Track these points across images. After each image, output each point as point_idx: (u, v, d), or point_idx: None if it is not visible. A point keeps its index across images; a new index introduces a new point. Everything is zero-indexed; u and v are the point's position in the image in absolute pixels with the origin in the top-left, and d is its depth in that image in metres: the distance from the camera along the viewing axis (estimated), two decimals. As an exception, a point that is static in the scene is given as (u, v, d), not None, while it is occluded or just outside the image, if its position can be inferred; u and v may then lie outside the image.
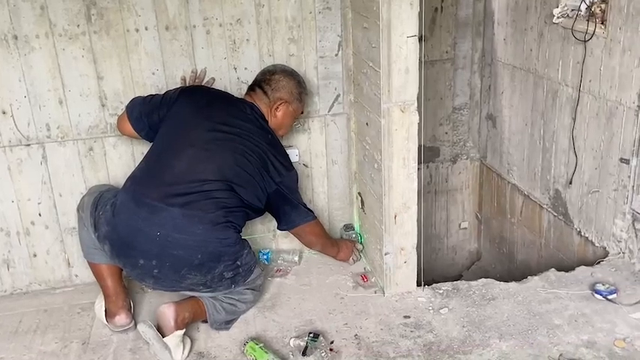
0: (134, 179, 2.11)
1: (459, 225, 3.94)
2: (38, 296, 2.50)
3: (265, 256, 2.61)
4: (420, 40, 2.07)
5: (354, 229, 2.73)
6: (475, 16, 3.43)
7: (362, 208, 2.62)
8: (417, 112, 2.17)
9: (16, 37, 2.21)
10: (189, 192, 2.02)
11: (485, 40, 3.45)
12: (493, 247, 3.73)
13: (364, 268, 2.60)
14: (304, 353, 2.06)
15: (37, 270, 2.51)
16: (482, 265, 3.92)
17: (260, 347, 2.04)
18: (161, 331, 2.03)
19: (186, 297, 2.17)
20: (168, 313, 2.03)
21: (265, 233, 2.67)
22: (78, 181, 2.44)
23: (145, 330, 2.00)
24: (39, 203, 2.43)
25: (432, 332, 2.15)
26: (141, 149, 2.45)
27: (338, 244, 2.59)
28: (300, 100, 2.36)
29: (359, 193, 2.66)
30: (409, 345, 2.09)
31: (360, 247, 2.66)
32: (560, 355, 1.97)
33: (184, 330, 2.08)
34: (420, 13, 2.04)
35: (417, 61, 2.10)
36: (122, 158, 2.46)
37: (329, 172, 2.68)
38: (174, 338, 2.02)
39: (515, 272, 3.37)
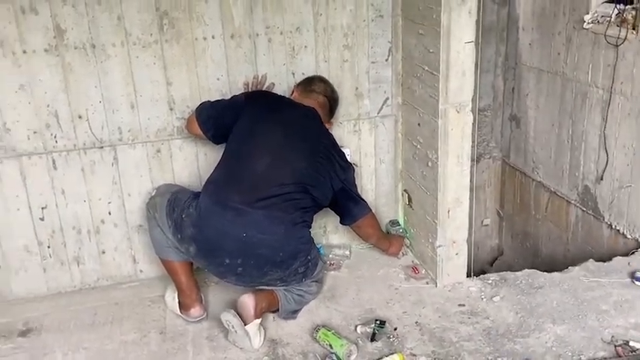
0: (216, 184, 2.24)
1: (482, 222, 4.10)
2: (106, 291, 2.64)
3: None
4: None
5: (399, 225, 2.89)
6: (499, 22, 3.61)
7: (409, 204, 2.78)
8: (471, 112, 2.33)
9: (93, 46, 2.35)
10: (271, 195, 2.17)
11: (509, 44, 3.62)
12: (515, 242, 3.90)
13: (412, 261, 2.75)
14: (372, 339, 2.21)
15: (104, 266, 2.65)
16: (505, 259, 4.09)
17: (332, 333, 2.19)
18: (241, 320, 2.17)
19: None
20: (249, 302, 2.17)
21: (316, 229, 2.81)
22: (146, 181, 2.57)
23: (230, 319, 2.14)
24: (109, 203, 2.56)
25: (489, 319, 2.31)
26: (204, 150, 2.60)
27: (389, 239, 2.75)
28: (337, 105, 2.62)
29: (405, 190, 2.82)
30: (469, 330, 2.25)
31: (407, 241, 2.82)
32: (612, 336, 2.14)
33: (261, 319, 2.22)
34: (477, 21, 2.21)
35: (473, 65, 2.27)
36: (187, 159, 2.60)
37: (377, 171, 2.84)
38: (253, 326, 2.17)
39: (540, 266, 3.54)
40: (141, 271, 2.70)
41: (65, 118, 2.41)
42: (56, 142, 2.43)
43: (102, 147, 2.49)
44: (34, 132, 2.39)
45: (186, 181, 2.61)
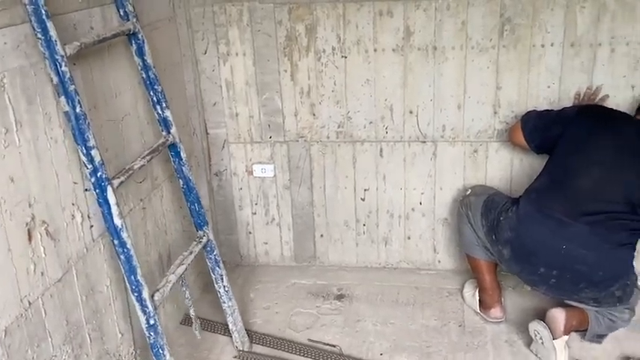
0: (540, 192, 2.24)
1: None
2: (406, 273, 2.85)
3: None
4: None
5: None
6: None
7: None
8: None
9: (435, 48, 2.51)
10: (598, 212, 2.10)
11: None
12: None
13: None
14: (697, 387, 2.02)
15: (407, 250, 2.86)
16: None
17: (649, 370, 2.06)
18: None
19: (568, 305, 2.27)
20: (559, 318, 2.16)
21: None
22: (458, 178, 2.69)
23: (540, 329, 2.16)
24: (422, 193, 2.75)
25: None
26: (520, 156, 2.61)
27: None
28: None
29: None
30: None
31: None
32: None
33: (568, 336, 2.19)
34: None
35: None
36: (501, 163, 2.64)
37: None
38: (561, 342, 2.15)
39: None
40: (439, 261, 2.85)
41: (398, 112, 2.63)
42: (386, 132, 2.67)
43: (424, 142, 2.66)
44: (370, 122, 2.66)
45: (497, 183, 2.66)
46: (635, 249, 2.18)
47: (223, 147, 2.80)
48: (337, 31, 2.54)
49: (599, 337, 2.28)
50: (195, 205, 2.18)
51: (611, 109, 2.38)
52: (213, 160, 2.83)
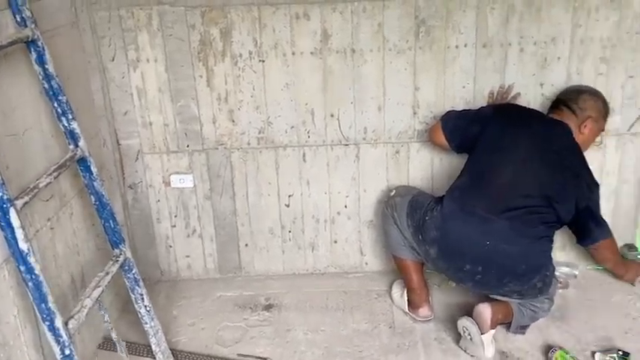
0: (462, 190, 2.28)
1: None
2: (334, 278, 2.82)
3: (544, 267, 2.68)
4: None
5: (637, 250, 2.71)
6: None
7: (652, 230, 2.60)
8: None
9: (353, 51, 2.49)
10: (517, 207, 2.16)
11: None
12: None
13: (650, 291, 2.58)
14: (614, 369, 2.12)
15: (334, 255, 2.83)
16: None
17: (571, 357, 2.14)
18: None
19: (494, 299, 2.32)
20: (486, 313, 2.20)
21: (543, 244, 2.74)
22: (382, 179, 2.70)
23: (468, 325, 2.19)
24: (347, 196, 2.73)
25: None
26: (440, 156, 2.65)
27: (626, 264, 2.60)
28: (604, 118, 2.41)
29: (648, 215, 2.64)
30: None
31: (644, 269, 2.64)
32: None
33: (495, 330, 2.23)
34: None
35: None
36: (422, 163, 2.67)
37: (617, 191, 2.69)
38: (488, 336, 2.19)
39: None
40: (366, 263, 2.85)
41: (319, 116, 2.59)
42: (309, 137, 2.63)
43: (347, 145, 2.64)
44: (292, 127, 2.61)
45: (419, 183, 2.69)
46: (552, 241, 2.26)
47: (137, 158, 2.66)
48: (253, 34, 2.47)
49: (522, 328, 2.35)
50: (110, 222, 2.04)
51: (525, 107, 2.46)
52: (127, 172, 2.68)
